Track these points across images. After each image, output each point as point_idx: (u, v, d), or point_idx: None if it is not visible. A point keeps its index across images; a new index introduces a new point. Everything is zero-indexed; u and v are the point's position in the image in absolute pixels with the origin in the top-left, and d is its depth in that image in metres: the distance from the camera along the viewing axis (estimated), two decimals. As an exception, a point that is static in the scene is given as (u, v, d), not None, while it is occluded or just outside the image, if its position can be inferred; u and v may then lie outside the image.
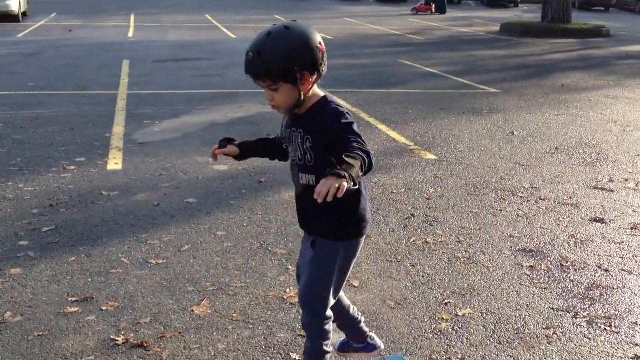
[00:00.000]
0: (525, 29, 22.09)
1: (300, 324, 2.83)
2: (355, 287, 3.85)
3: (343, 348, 3.03)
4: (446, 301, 3.71)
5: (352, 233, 2.51)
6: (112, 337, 3.22)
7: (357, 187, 2.05)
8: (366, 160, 2.13)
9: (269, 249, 4.37)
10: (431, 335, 3.33)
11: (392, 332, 3.35)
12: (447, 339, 3.31)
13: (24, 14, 24.90)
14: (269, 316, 3.48)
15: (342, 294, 2.72)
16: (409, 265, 4.19)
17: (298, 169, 2.46)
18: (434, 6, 31.42)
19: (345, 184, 1.96)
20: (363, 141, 2.23)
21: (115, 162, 6.25)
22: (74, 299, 3.58)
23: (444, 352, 3.19)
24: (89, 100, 9.39)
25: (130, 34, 20.34)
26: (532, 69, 13.99)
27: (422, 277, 4.02)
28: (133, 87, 10.73)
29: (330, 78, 11.92)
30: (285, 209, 5.13)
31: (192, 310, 3.51)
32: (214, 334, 3.29)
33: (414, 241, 4.58)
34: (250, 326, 3.38)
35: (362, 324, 2.91)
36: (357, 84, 11.45)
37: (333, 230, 2.47)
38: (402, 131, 7.90)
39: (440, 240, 4.62)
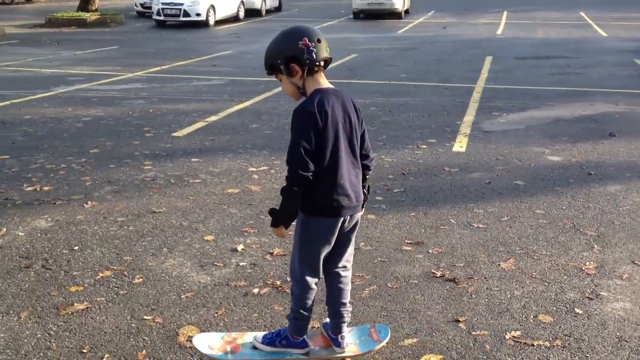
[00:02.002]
0: None
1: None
2: (655, 272, 4.16)
3: (324, 326, 3.27)
4: None
5: (311, 210, 2.84)
6: (432, 270, 4.15)
7: (289, 216, 2.81)
8: (288, 186, 2.72)
9: (580, 229, 4.85)
10: None
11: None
12: None
13: (406, 12, 27.49)
14: (563, 279, 4.05)
15: (343, 287, 3.08)
16: None
17: None
18: None
19: (280, 232, 2.82)
20: (294, 146, 2.69)
21: (460, 145, 7.20)
22: (409, 241, 4.61)
23: None
24: (448, 92, 10.54)
25: (499, 31, 21.19)
26: None
27: None
28: (490, 81, 11.59)
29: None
30: (607, 200, 5.48)
31: (499, 265, 4.25)
32: (513, 283, 3.99)
33: None
34: (545, 284, 3.99)
35: (344, 325, 3.13)
36: None
37: (301, 205, 2.83)
38: None
39: None
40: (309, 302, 3.02)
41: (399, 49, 16.68)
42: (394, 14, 26.01)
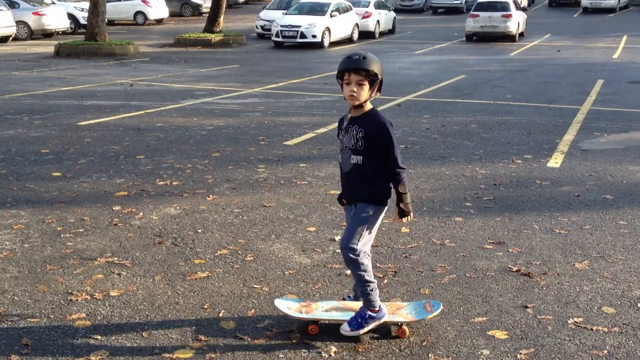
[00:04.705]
0: None
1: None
2: None
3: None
4: None
5: (385, 201, 3.55)
6: (509, 266, 4.58)
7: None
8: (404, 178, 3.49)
9: (660, 239, 5.11)
10: None
11: None
12: None
13: (521, 35, 27.40)
14: (633, 280, 4.37)
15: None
16: None
17: (350, 152, 3.49)
18: None
19: (409, 218, 3.57)
20: (399, 154, 3.44)
21: (555, 161, 7.50)
22: (491, 241, 5.06)
23: None
24: (552, 113, 10.75)
25: (615, 56, 20.82)
26: None
27: None
28: (597, 104, 11.66)
29: None
30: (694, 216, 5.67)
31: (574, 264, 4.62)
32: (584, 280, 4.36)
33: None
34: (615, 282, 4.33)
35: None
36: None
37: (369, 196, 3.51)
38: None
39: None
40: (371, 270, 3.57)
41: (508, 70, 16.86)
42: (507, 37, 26.04)
